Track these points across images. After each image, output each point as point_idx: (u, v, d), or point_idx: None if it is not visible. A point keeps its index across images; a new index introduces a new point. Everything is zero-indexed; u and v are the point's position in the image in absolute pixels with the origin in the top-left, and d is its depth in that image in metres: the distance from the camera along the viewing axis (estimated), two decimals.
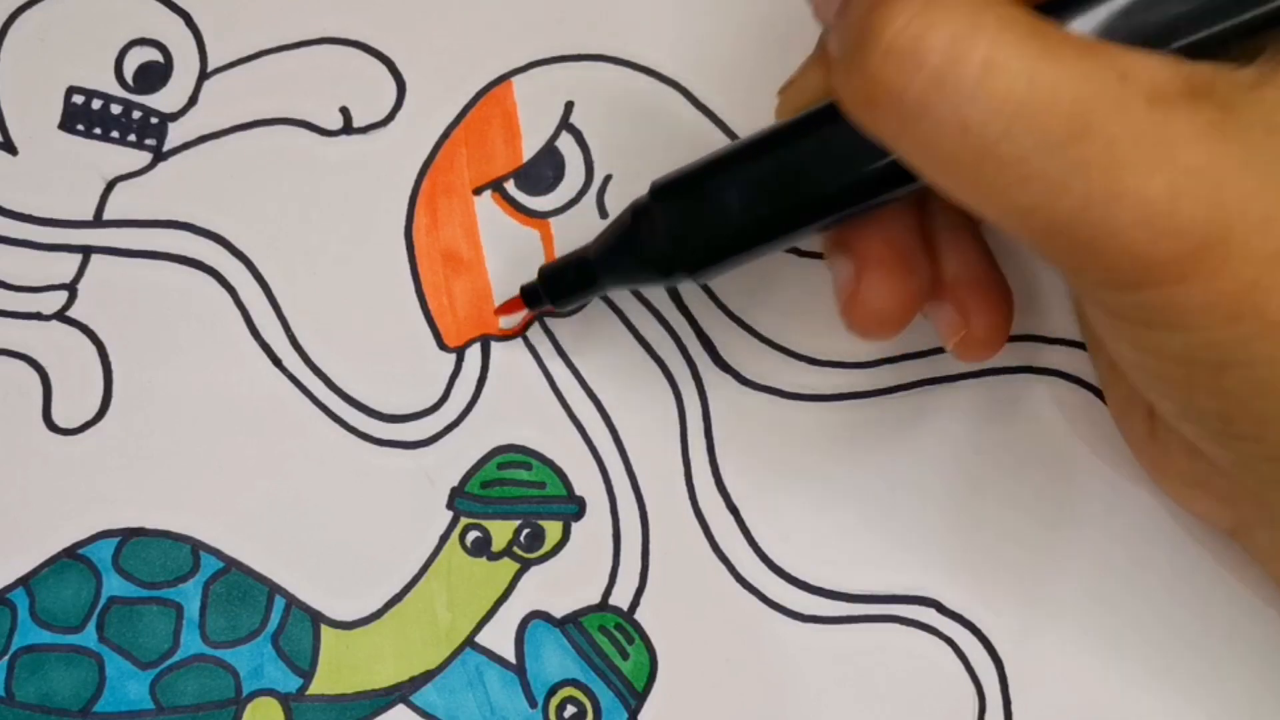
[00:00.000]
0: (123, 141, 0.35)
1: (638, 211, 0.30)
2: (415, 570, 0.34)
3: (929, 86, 0.24)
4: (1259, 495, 0.29)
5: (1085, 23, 0.25)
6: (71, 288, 0.35)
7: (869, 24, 0.24)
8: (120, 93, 0.35)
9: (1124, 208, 0.23)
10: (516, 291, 0.33)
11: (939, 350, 0.34)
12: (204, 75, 0.35)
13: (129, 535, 0.34)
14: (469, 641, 0.33)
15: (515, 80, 0.35)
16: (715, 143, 0.35)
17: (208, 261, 0.35)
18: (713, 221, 0.29)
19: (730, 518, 0.34)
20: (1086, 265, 0.25)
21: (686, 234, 0.30)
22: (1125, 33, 0.25)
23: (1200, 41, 0.25)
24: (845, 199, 0.28)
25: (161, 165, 0.35)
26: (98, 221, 0.35)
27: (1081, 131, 0.23)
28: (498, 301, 0.34)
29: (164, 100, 0.35)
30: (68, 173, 0.35)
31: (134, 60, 0.35)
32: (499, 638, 0.33)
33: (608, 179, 0.35)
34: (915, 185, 0.27)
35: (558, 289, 0.32)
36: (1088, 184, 0.23)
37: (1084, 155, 0.23)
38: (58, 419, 0.34)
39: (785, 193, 0.29)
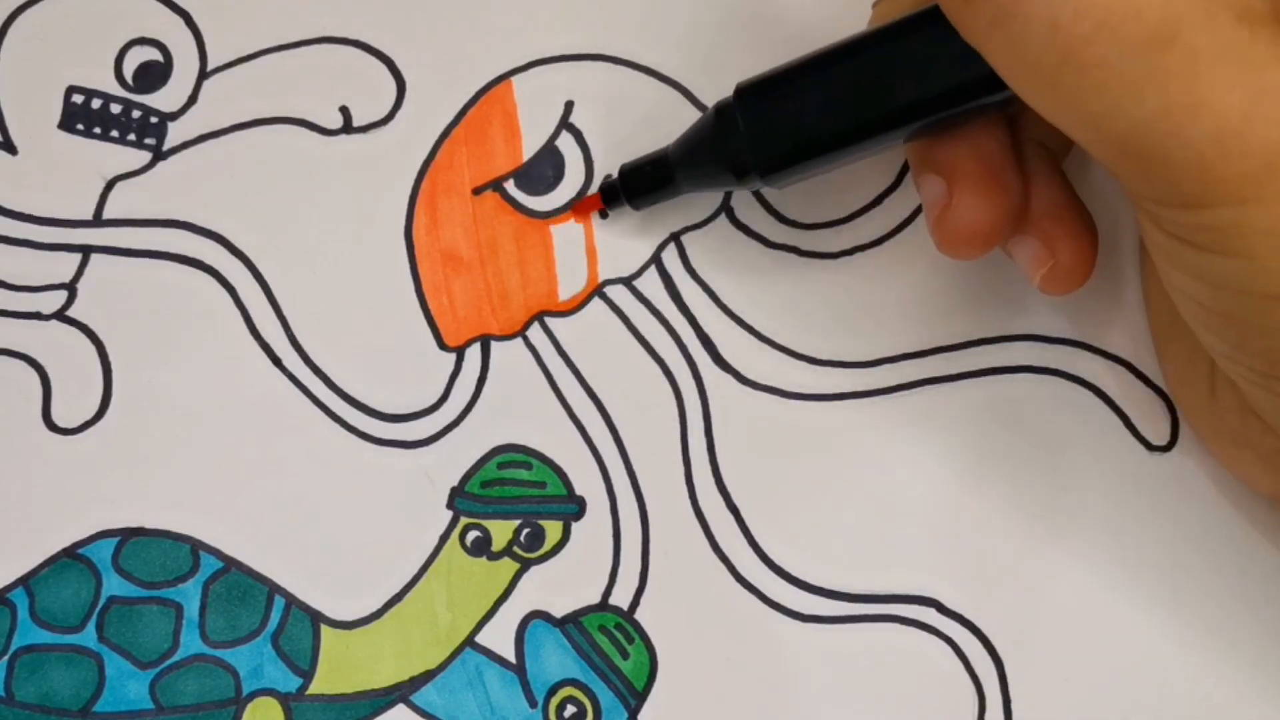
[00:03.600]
0: (122, 141, 0.35)
1: (720, 110, 0.31)
2: (415, 570, 0.34)
3: None
4: None
5: None
6: (71, 287, 0.34)
7: None
8: (120, 92, 0.35)
9: (1197, 120, 0.23)
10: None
11: (939, 350, 0.34)
12: (204, 75, 0.35)
13: (129, 535, 0.34)
14: (469, 641, 0.33)
15: (515, 80, 0.35)
16: None
17: (207, 261, 0.35)
18: (795, 124, 0.30)
19: (730, 518, 0.34)
20: (1154, 178, 0.25)
21: (767, 135, 0.30)
22: None
23: None
24: (926, 105, 0.28)
25: (161, 165, 0.35)
26: (97, 221, 0.35)
27: (1168, 40, 0.23)
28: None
29: (164, 100, 0.35)
30: (68, 172, 0.35)
31: (134, 60, 0.35)
32: (499, 637, 0.33)
33: (608, 179, 0.35)
34: (997, 96, 0.27)
35: (635, 187, 0.33)
36: (1165, 93, 0.23)
37: (1166, 64, 0.23)
38: (57, 419, 0.34)
39: (868, 97, 0.29)
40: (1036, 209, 0.30)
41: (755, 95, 0.30)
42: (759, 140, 0.30)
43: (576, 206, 0.34)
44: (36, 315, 0.34)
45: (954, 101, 0.28)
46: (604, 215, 0.34)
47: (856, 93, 0.29)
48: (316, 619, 0.33)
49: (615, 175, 0.34)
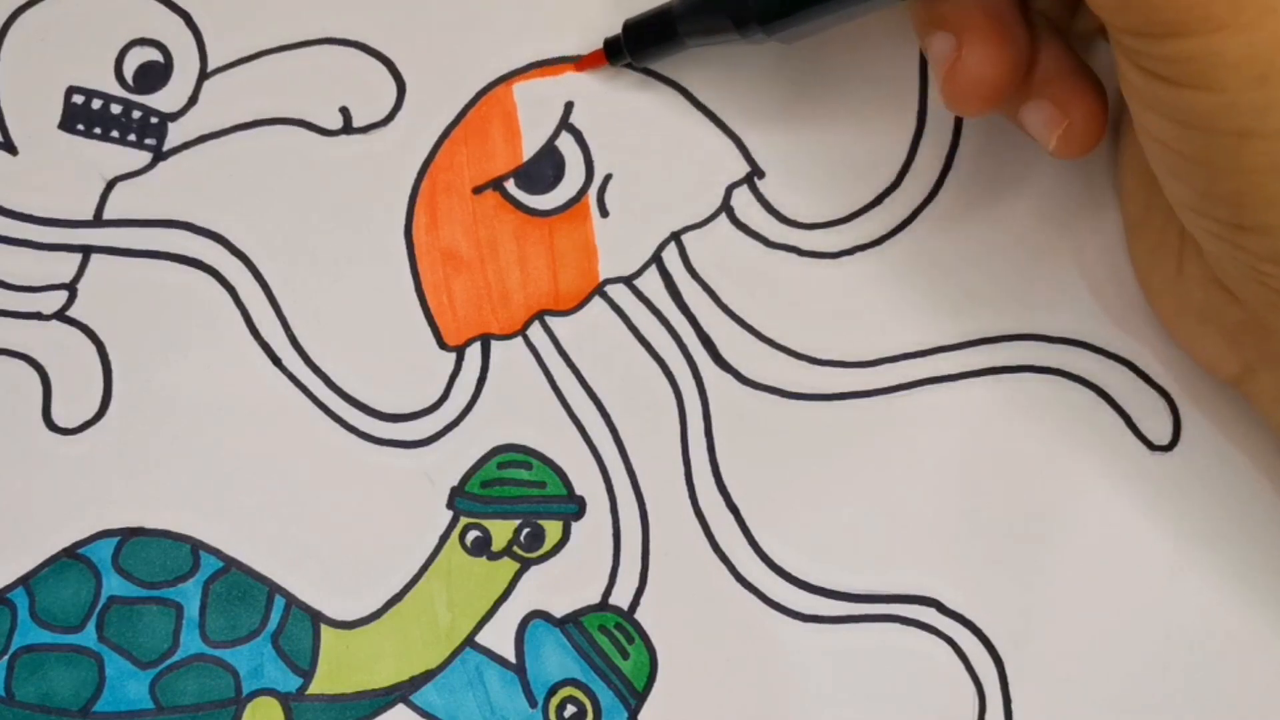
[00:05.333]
0: (123, 141, 0.35)
1: None
2: (415, 570, 0.34)
3: None
4: (1265, 320, 0.29)
5: None
6: (71, 287, 0.35)
7: None
8: (120, 92, 0.35)
9: None
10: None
11: (939, 350, 0.34)
12: (204, 75, 0.35)
13: (129, 535, 0.34)
14: (469, 641, 0.33)
15: (515, 80, 0.35)
16: (714, 143, 0.35)
17: (207, 261, 0.35)
18: None
19: (730, 517, 0.34)
20: (1130, 6, 0.25)
21: None
22: None
23: None
24: None
25: (161, 165, 0.35)
26: (98, 221, 0.35)
27: None
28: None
29: (164, 100, 0.35)
30: (68, 172, 0.35)
31: (134, 60, 0.35)
32: (499, 637, 0.33)
33: (608, 178, 0.35)
34: None
35: (639, 40, 0.33)
36: None
37: None
38: (58, 419, 0.34)
39: None
40: (1045, 73, 0.31)
41: None
42: None
43: (581, 61, 0.35)
44: (36, 315, 0.34)
45: None
46: (616, 62, 0.34)
47: None
48: (316, 619, 0.33)
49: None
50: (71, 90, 0.35)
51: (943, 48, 0.30)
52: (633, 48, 0.34)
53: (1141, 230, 0.33)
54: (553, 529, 0.34)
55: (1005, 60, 0.30)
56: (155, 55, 0.35)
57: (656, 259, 0.35)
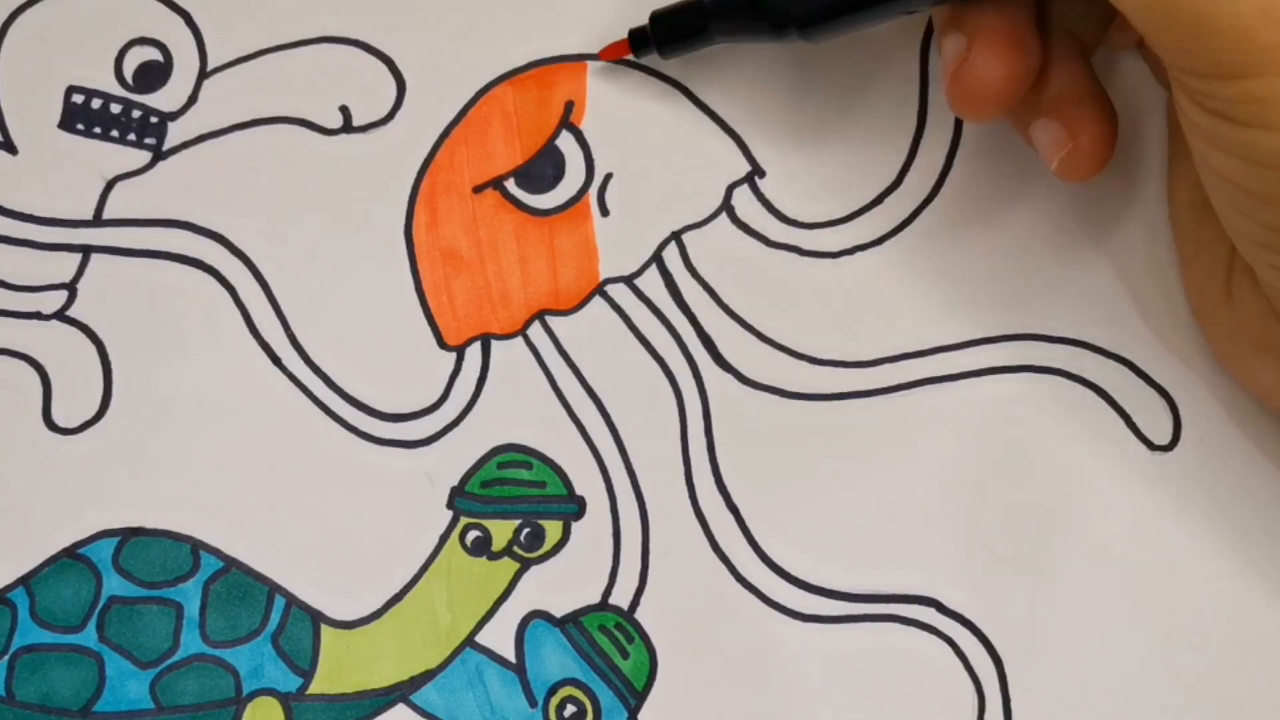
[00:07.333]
0: (122, 141, 0.35)
1: None
2: (415, 570, 0.34)
3: None
4: None
5: None
6: (71, 287, 0.35)
7: None
8: (120, 92, 0.35)
9: None
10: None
11: (939, 350, 0.34)
12: (204, 74, 0.35)
13: (129, 535, 0.34)
14: (469, 641, 0.33)
15: (515, 80, 0.35)
16: (714, 142, 0.35)
17: (207, 260, 0.35)
18: None
19: (730, 517, 0.34)
20: (1198, 48, 0.25)
21: None
22: None
23: None
24: None
25: (161, 164, 0.35)
26: (97, 221, 0.35)
27: None
28: None
29: (164, 99, 0.35)
30: (68, 172, 0.35)
31: (134, 60, 0.35)
32: (499, 637, 0.33)
33: (608, 178, 0.35)
34: None
35: (667, 34, 0.33)
36: None
37: None
38: (58, 419, 0.34)
39: None
40: (1059, 93, 0.31)
41: None
42: None
43: (604, 50, 0.34)
44: (36, 315, 0.34)
45: None
46: (641, 54, 0.34)
47: None
48: (317, 619, 0.33)
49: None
50: (71, 90, 0.35)
51: (954, 47, 0.30)
52: (660, 40, 0.33)
53: (1192, 265, 0.33)
54: (553, 529, 0.34)
55: (1013, 66, 0.30)
56: (155, 54, 0.35)
57: (657, 258, 0.35)
